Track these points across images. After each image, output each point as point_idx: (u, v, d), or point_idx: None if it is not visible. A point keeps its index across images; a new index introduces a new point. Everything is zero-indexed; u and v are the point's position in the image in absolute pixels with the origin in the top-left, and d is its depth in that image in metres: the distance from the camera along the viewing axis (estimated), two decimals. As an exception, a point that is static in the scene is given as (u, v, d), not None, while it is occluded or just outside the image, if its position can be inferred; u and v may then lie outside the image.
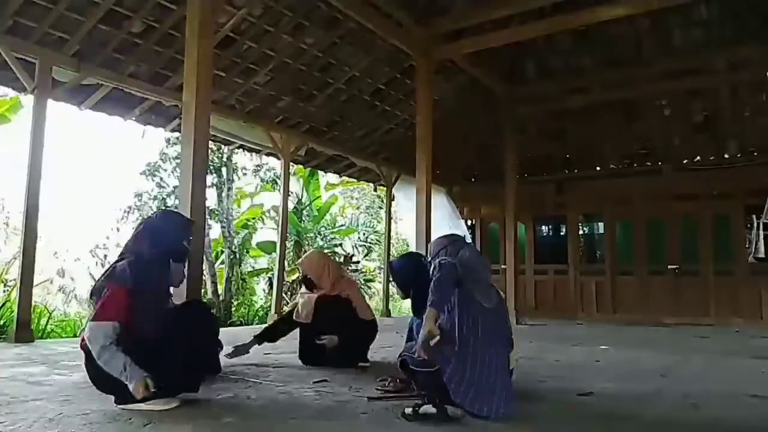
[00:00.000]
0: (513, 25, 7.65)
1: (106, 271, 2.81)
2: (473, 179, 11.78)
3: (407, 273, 3.50)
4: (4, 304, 6.80)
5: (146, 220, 3.04)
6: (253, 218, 13.96)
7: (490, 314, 2.88)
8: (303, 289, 4.36)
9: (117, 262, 2.81)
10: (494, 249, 11.01)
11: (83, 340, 2.70)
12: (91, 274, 11.19)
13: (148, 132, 10.73)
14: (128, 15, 5.86)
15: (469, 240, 10.67)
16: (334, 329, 4.01)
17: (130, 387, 2.54)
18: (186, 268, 3.54)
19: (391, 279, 3.56)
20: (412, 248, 7.38)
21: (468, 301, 2.85)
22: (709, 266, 9.30)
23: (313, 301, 4.15)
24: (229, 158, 12.25)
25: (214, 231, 12.67)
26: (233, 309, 11.80)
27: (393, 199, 10.56)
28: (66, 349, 4.78)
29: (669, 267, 9.52)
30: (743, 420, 2.76)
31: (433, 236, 6.97)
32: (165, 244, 2.88)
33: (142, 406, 2.64)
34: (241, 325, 10.21)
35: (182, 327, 2.78)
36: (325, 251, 13.00)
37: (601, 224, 10.74)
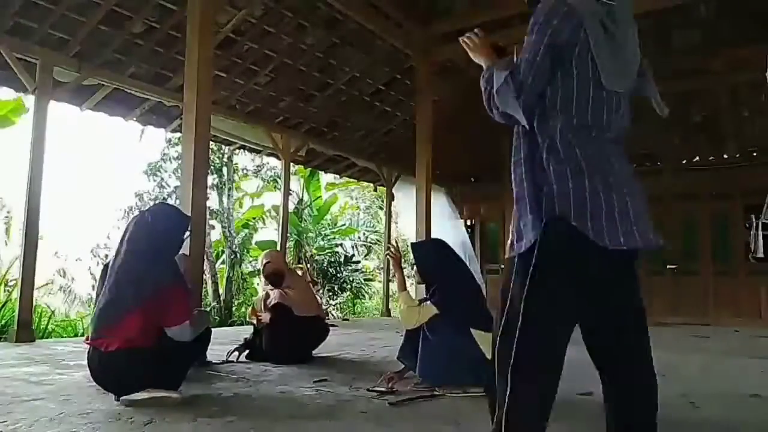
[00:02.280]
0: (513, 26, 7.65)
1: (126, 271, 2.79)
2: (473, 179, 11.79)
3: (429, 261, 3.48)
4: (5, 304, 6.81)
5: (142, 216, 3.01)
6: (254, 218, 13.98)
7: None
8: (268, 286, 4.41)
9: (117, 257, 2.83)
10: (494, 249, 11.04)
11: (87, 338, 2.74)
12: (92, 274, 11.20)
13: (149, 132, 10.79)
14: (129, 16, 5.87)
15: (467, 241, 10.70)
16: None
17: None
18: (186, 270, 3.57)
19: (414, 263, 3.49)
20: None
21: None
22: (708, 266, 9.31)
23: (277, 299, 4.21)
24: (229, 158, 12.27)
25: (215, 231, 12.69)
26: (234, 309, 11.83)
27: (393, 199, 10.56)
28: (67, 349, 4.79)
29: (668, 267, 9.53)
30: (743, 420, 2.76)
31: (433, 236, 6.99)
32: (164, 240, 2.89)
33: (144, 395, 2.68)
34: (241, 324, 10.21)
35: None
36: (325, 250, 13.04)
37: (600, 224, 10.73)
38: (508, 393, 1.61)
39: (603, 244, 1.50)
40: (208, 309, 8.90)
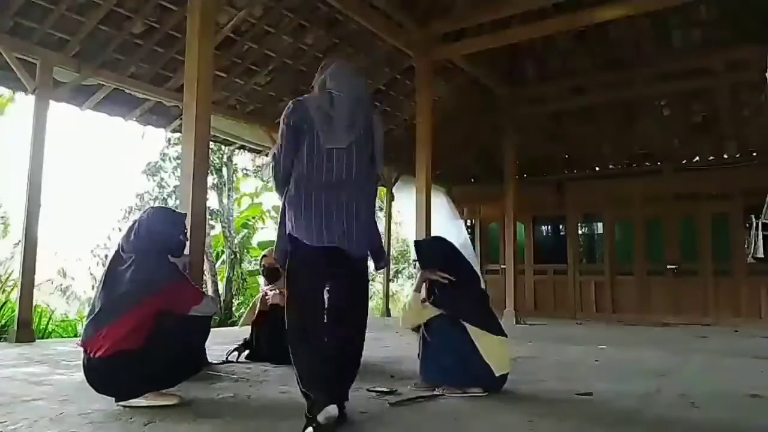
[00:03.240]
0: (513, 26, 7.66)
1: (126, 269, 2.79)
2: (473, 179, 11.79)
3: (432, 258, 3.44)
4: (5, 304, 6.81)
5: (140, 218, 3.04)
6: (254, 217, 13.98)
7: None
8: (267, 286, 4.42)
9: (120, 259, 2.83)
10: (494, 249, 11.04)
11: (82, 343, 2.74)
12: (92, 273, 11.20)
13: (149, 132, 10.77)
14: (129, 16, 5.87)
15: (467, 242, 10.69)
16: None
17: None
18: (188, 264, 3.57)
19: (418, 259, 3.47)
20: (412, 249, 7.37)
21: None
22: (708, 266, 9.31)
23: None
24: (229, 158, 12.26)
25: (215, 231, 12.68)
26: (234, 308, 11.83)
27: (393, 199, 10.56)
28: (67, 349, 4.79)
29: (668, 267, 9.53)
30: (743, 420, 2.76)
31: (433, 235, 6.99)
32: (162, 241, 2.90)
33: (143, 402, 2.67)
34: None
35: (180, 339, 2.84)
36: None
37: (600, 224, 10.75)
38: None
39: (311, 244, 2.50)
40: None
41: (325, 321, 2.55)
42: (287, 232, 2.56)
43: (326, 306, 2.58)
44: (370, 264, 2.81)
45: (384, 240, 10.55)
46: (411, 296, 3.32)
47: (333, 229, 2.50)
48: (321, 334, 2.51)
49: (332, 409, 2.36)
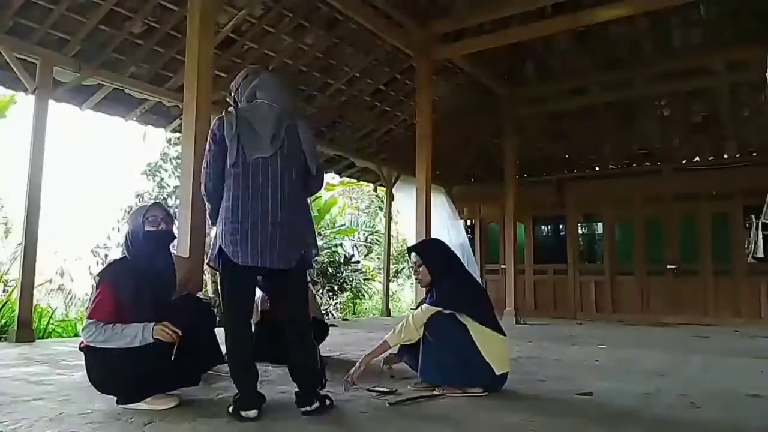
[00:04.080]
0: (513, 26, 7.66)
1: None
2: (473, 179, 11.80)
3: (438, 259, 3.42)
4: (5, 304, 6.81)
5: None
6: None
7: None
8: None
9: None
10: (494, 249, 11.05)
11: (82, 343, 2.73)
12: (91, 273, 11.20)
13: (149, 132, 10.78)
14: (129, 16, 5.87)
15: (466, 243, 10.68)
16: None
17: (152, 338, 2.59)
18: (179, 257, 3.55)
19: (418, 260, 3.42)
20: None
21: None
22: (708, 266, 9.31)
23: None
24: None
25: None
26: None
27: (393, 199, 10.57)
28: (67, 349, 4.79)
29: (668, 267, 9.53)
30: (743, 420, 2.76)
31: (433, 236, 7.00)
32: (133, 235, 2.84)
33: (143, 405, 2.66)
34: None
35: (180, 321, 2.75)
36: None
37: (600, 224, 10.75)
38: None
39: (236, 261, 2.58)
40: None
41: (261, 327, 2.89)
42: (218, 243, 2.63)
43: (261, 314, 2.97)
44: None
45: (384, 240, 10.66)
46: (394, 341, 3.22)
47: (257, 246, 2.56)
48: (246, 341, 2.70)
49: (252, 413, 2.54)
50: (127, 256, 2.84)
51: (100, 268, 2.89)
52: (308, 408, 2.63)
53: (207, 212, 2.79)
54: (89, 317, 2.67)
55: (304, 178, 2.75)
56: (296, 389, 2.72)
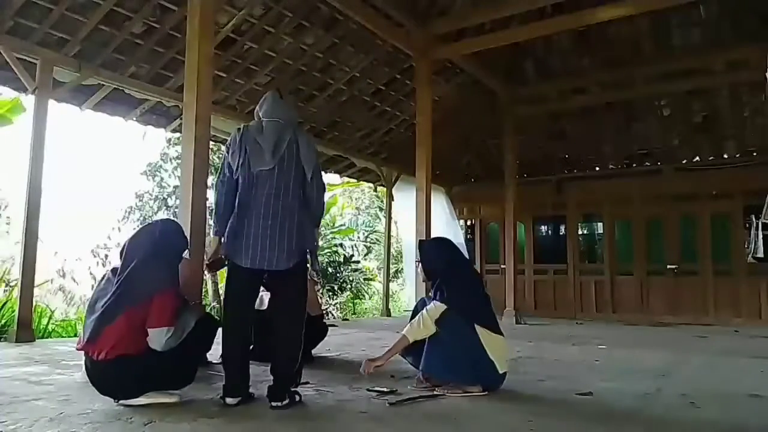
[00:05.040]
0: (513, 26, 7.66)
1: (129, 277, 2.77)
2: (473, 179, 11.79)
3: (435, 257, 3.48)
4: (5, 304, 6.80)
5: (149, 228, 3.11)
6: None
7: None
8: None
9: (127, 268, 2.82)
10: (494, 249, 11.05)
11: (79, 343, 2.74)
12: (92, 273, 11.20)
13: (149, 132, 10.77)
14: (129, 16, 5.86)
15: (462, 243, 10.68)
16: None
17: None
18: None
19: (420, 260, 3.55)
20: (412, 248, 7.39)
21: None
22: (708, 266, 9.31)
23: None
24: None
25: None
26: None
27: (393, 200, 10.56)
28: (67, 349, 4.79)
29: (668, 267, 9.53)
30: (743, 420, 2.77)
31: (432, 236, 7.00)
32: (173, 250, 2.99)
33: (143, 400, 2.67)
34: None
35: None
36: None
37: (600, 224, 10.75)
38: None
39: (240, 264, 2.89)
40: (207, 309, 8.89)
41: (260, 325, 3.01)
42: (225, 248, 2.95)
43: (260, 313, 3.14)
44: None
45: (384, 240, 10.65)
46: (407, 339, 3.25)
47: (259, 251, 2.83)
48: (240, 334, 2.92)
49: (231, 401, 2.79)
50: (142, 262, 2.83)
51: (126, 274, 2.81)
52: (279, 403, 2.76)
53: (213, 218, 3.07)
54: (167, 324, 2.71)
55: (303, 186, 2.98)
56: (271, 384, 2.84)
